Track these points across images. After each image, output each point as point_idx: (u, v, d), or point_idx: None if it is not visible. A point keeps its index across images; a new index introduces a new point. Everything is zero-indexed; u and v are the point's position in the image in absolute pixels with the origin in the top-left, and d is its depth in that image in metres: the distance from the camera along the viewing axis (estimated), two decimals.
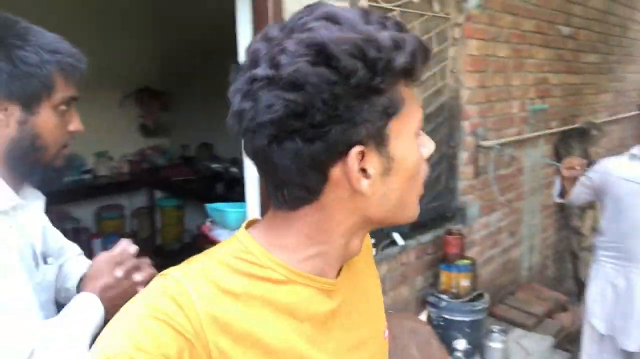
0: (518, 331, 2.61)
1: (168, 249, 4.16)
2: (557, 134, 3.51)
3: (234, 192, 3.54)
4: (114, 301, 0.88)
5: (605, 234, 2.28)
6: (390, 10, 1.97)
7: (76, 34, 1.05)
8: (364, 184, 0.53)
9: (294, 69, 0.48)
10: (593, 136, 3.71)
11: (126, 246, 0.97)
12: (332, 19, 0.50)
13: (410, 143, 0.56)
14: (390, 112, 0.52)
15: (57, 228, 1.03)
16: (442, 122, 2.40)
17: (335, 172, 0.52)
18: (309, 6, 0.53)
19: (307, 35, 0.49)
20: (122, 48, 3.85)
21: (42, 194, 0.93)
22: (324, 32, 0.49)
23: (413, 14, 2.09)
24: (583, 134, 3.63)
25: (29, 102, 0.80)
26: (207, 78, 3.73)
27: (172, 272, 0.54)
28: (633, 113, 5.13)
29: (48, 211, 0.96)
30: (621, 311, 2.19)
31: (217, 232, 1.91)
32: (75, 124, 0.88)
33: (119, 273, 0.91)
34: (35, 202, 0.91)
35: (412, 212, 0.60)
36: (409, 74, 0.52)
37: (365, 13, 0.52)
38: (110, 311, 0.87)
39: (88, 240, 3.65)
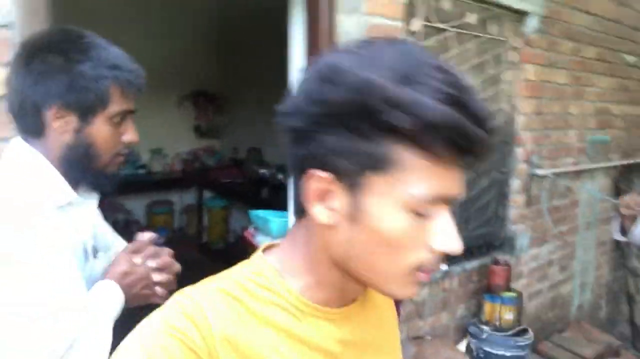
0: None
1: (214, 247, 4.26)
2: (618, 168, 3.34)
3: (278, 198, 3.58)
4: (132, 286, 0.93)
5: None
6: (445, 30, 1.96)
7: (138, 38, 1.10)
8: (317, 208, 0.52)
9: (308, 75, 0.50)
10: None
11: (143, 236, 1.03)
12: (375, 51, 0.49)
13: (393, 211, 0.49)
14: (369, 163, 0.48)
15: (109, 219, 1.09)
16: (495, 148, 2.34)
17: (305, 186, 0.52)
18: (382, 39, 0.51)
19: (341, 54, 0.50)
20: (181, 51, 4.06)
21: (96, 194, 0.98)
22: (351, 56, 0.49)
23: (468, 35, 2.07)
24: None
25: (85, 113, 0.85)
26: (261, 84, 3.83)
27: (190, 291, 0.55)
28: None
29: (101, 202, 1.02)
30: None
31: (259, 239, 1.92)
32: (130, 135, 0.93)
33: (137, 259, 0.97)
34: (88, 200, 0.96)
35: (391, 286, 0.53)
36: (419, 143, 0.47)
37: (420, 65, 0.47)
38: (129, 297, 0.93)
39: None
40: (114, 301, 0.90)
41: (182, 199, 4.47)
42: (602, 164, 3.13)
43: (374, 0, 1.62)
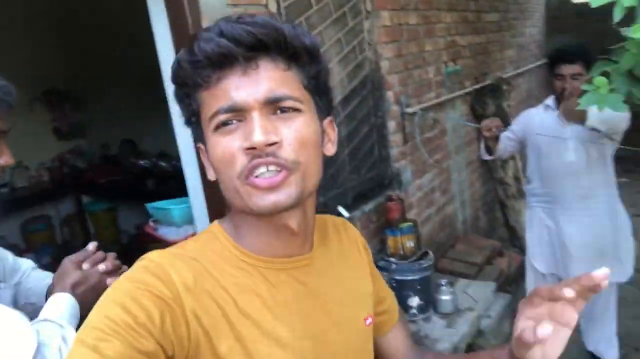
0: (463, 281, 2.78)
1: (107, 253, 3.98)
2: (472, 93, 3.73)
3: (167, 186, 3.46)
4: (86, 295, 0.91)
5: (532, 182, 2.48)
6: None
7: None
8: (207, 172, 0.66)
9: None
10: (504, 90, 3.97)
11: (87, 248, 1.01)
12: None
13: (211, 141, 0.61)
14: (192, 119, 0.63)
15: None
16: (367, 95, 2.47)
17: None
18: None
19: None
20: (25, 52, 3.62)
21: None
22: None
23: None
24: (495, 90, 3.87)
25: None
26: (120, 75, 3.57)
27: (150, 255, 0.61)
28: (535, 64, 5.54)
29: None
30: (556, 250, 2.41)
31: (164, 231, 1.86)
32: (5, 158, 0.85)
33: (85, 265, 0.95)
34: None
35: (248, 203, 0.60)
36: (194, 82, 0.60)
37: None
38: (85, 306, 0.90)
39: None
40: (71, 311, 0.87)
41: (58, 210, 4.07)
42: (459, 93, 3.47)
43: None
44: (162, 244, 1.87)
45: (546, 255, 2.47)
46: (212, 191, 1.61)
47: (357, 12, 2.38)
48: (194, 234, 1.78)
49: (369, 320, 0.76)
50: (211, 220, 1.69)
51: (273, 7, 1.83)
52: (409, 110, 2.78)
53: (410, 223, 2.40)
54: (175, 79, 0.62)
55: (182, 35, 1.49)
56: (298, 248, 0.67)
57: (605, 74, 1.31)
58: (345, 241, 0.79)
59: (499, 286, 2.89)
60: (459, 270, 2.98)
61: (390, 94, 2.64)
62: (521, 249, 3.76)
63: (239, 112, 0.58)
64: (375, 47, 2.52)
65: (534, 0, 5.57)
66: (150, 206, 1.91)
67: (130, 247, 3.44)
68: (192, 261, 0.61)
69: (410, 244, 2.37)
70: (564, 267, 2.40)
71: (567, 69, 2.17)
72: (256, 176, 0.57)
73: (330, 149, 0.68)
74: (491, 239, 3.70)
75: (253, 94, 0.57)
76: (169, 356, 0.54)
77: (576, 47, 2.25)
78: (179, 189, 3.02)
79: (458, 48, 3.48)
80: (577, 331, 2.67)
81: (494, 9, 4.18)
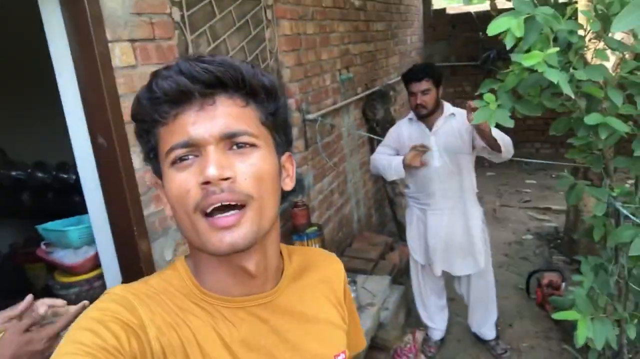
0: (361, 277, 2.96)
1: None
2: (363, 98, 3.94)
3: (46, 201, 3.14)
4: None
5: (409, 186, 2.74)
6: None
7: None
8: (165, 209, 0.66)
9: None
10: (390, 96, 4.26)
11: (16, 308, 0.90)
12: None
13: (167, 176, 0.62)
14: (151, 155, 0.65)
15: None
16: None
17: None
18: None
19: None
20: None
21: None
22: None
23: None
24: (383, 96, 4.14)
25: None
26: None
27: (115, 289, 0.62)
28: None
29: None
30: (427, 244, 2.69)
31: (59, 255, 1.72)
32: None
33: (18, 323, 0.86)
34: None
35: (204, 242, 0.60)
36: (152, 118, 0.61)
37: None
38: None
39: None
40: None
41: None
42: (352, 99, 3.66)
43: None
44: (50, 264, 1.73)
45: (422, 249, 2.77)
46: (116, 206, 1.53)
47: (258, 21, 2.40)
48: (95, 256, 1.69)
49: (341, 356, 0.74)
50: (115, 239, 1.60)
51: (177, 16, 1.78)
52: (310, 116, 2.87)
53: (315, 227, 2.50)
54: (134, 115, 0.62)
55: (83, 44, 1.39)
56: (257, 287, 0.67)
57: (492, 91, 1.50)
58: (323, 277, 0.78)
59: (393, 278, 3.13)
60: (357, 267, 3.16)
61: (292, 102, 2.71)
62: None
63: (194, 147, 0.58)
64: (277, 56, 2.57)
65: (414, 9, 6.02)
66: (42, 228, 1.74)
67: (3, 268, 3.06)
68: (155, 295, 0.62)
69: (316, 247, 2.46)
70: (433, 262, 2.72)
71: (417, 87, 2.47)
72: (211, 213, 0.58)
73: (289, 184, 0.70)
74: (383, 234, 3.96)
75: (209, 129, 0.58)
76: None
77: (423, 67, 2.56)
78: (62, 204, 2.78)
79: (350, 56, 3.66)
80: (464, 315, 3.00)
81: (381, 19, 4.45)
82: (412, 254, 2.84)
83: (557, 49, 1.27)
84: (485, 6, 7.50)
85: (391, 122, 4.14)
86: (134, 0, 1.53)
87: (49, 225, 1.75)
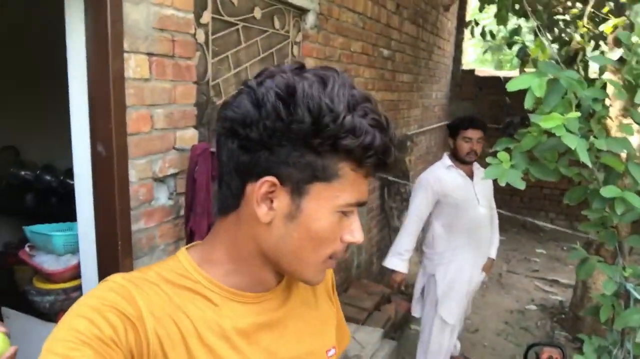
0: (352, 326, 2.83)
1: None
2: None
3: (49, 205, 3.11)
4: None
5: (437, 243, 2.73)
6: (234, 24, 1.98)
7: None
8: (262, 209, 0.61)
9: (265, 91, 0.57)
10: (408, 146, 4.23)
11: None
12: (324, 81, 0.57)
13: (328, 213, 0.61)
14: (317, 174, 0.59)
15: None
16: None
17: (249, 188, 0.61)
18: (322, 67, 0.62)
19: (293, 78, 0.58)
20: None
21: None
22: (305, 83, 0.57)
23: (256, 29, 2.13)
24: (401, 145, 4.11)
25: None
26: (10, 73, 3.24)
27: (115, 277, 0.61)
28: (437, 125, 5.99)
29: None
30: (462, 296, 2.73)
31: (41, 259, 1.66)
32: None
33: None
34: None
35: (309, 274, 0.65)
36: (357, 160, 0.59)
37: (356, 97, 0.58)
38: None
39: None
40: None
41: None
42: None
43: None
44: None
45: (458, 308, 2.73)
46: (104, 217, 1.49)
47: (284, 55, 2.41)
48: (77, 266, 1.63)
49: (332, 351, 0.77)
50: (98, 251, 1.55)
51: (201, 38, 1.79)
52: None
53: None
54: (342, 144, 0.57)
55: (98, 50, 1.39)
56: (269, 284, 0.69)
57: (507, 150, 1.45)
58: None
59: (385, 332, 2.99)
60: (350, 315, 3.04)
61: None
62: (409, 296, 3.93)
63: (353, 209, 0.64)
64: None
65: (443, 67, 6.08)
66: (29, 230, 1.70)
67: None
68: (155, 286, 0.62)
69: None
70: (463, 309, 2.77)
71: (475, 134, 2.64)
72: (332, 257, 0.65)
73: None
74: (381, 284, 3.83)
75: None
76: None
77: (480, 118, 2.74)
78: (62, 210, 2.75)
79: None
80: None
81: (408, 71, 4.48)
82: (442, 316, 2.70)
83: (579, 114, 1.21)
84: (515, 72, 7.57)
85: (404, 172, 4.09)
86: (158, 16, 1.54)
87: (36, 228, 1.71)
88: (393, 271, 2.74)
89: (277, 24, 2.29)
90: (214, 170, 1.65)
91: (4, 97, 3.18)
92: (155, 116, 1.58)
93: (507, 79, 5.41)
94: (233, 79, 2.02)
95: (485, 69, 8.83)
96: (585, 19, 3.68)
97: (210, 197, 1.62)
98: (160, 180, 1.64)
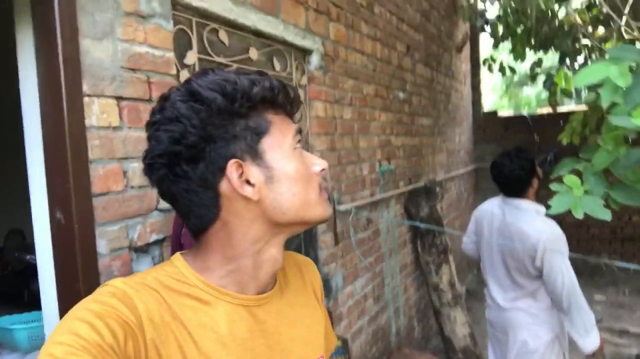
0: None
1: None
2: (405, 193, 3.58)
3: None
4: None
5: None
6: (227, 65, 1.74)
7: None
8: (249, 191, 0.66)
9: (171, 107, 0.65)
10: (437, 193, 3.87)
11: None
12: (206, 72, 0.68)
13: (289, 154, 0.69)
14: (257, 131, 0.67)
15: None
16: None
17: (223, 187, 0.66)
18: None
19: (183, 86, 0.67)
20: None
21: None
22: (194, 82, 0.66)
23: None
24: (428, 192, 3.76)
25: None
26: None
27: (115, 282, 0.63)
28: (465, 170, 5.65)
29: None
30: None
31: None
32: None
33: None
34: None
35: (319, 211, 0.70)
36: (272, 103, 0.69)
37: (234, 69, 0.71)
38: None
39: None
40: None
41: None
42: (393, 192, 3.30)
43: (132, 24, 1.31)
44: None
45: None
46: (68, 301, 1.17)
47: None
48: None
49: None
50: None
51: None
52: (342, 208, 2.51)
53: (339, 343, 2.02)
54: (246, 94, 0.65)
55: (51, 94, 1.14)
56: (265, 286, 0.72)
57: (576, 173, 1.10)
58: (307, 281, 0.84)
59: None
60: None
61: None
62: None
63: (300, 138, 0.72)
64: (307, 137, 2.29)
65: (462, 110, 5.82)
66: None
67: None
68: (154, 292, 0.63)
69: None
70: None
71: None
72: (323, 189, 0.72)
73: None
74: (426, 351, 3.35)
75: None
76: None
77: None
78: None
79: (392, 148, 3.37)
80: None
81: (427, 114, 4.22)
82: None
83: None
84: (541, 110, 7.27)
85: (437, 221, 3.71)
86: (128, 54, 1.30)
87: None
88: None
89: (277, 65, 2.06)
90: None
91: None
92: (130, 171, 1.30)
93: (534, 118, 5.12)
94: None
95: (506, 111, 8.56)
96: (613, 40, 3.40)
97: None
98: (142, 250, 1.34)
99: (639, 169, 1.11)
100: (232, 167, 0.64)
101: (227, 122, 0.64)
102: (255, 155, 0.66)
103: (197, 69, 1.61)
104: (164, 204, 1.38)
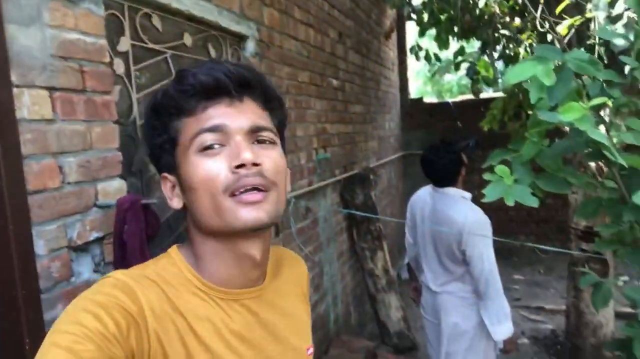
0: None
1: None
2: (341, 181, 3.65)
3: None
4: None
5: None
6: (161, 52, 1.68)
7: None
8: (173, 203, 0.71)
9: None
10: (371, 180, 3.98)
11: None
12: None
13: (191, 161, 0.66)
14: (173, 141, 0.68)
15: None
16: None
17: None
18: None
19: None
20: None
21: None
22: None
23: (187, 58, 1.84)
24: (363, 180, 3.86)
25: None
26: None
27: (116, 274, 0.64)
28: (395, 156, 5.84)
29: None
30: None
31: None
32: None
33: None
34: None
35: (231, 218, 0.64)
36: (179, 108, 0.68)
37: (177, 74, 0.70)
38: None
39: None
40: None
41: None
42: (330, 180, 3.36)
43: (60, 9, 1.22)
44: None
45: None
46: (8, 308, 1.10)
47: None
48: None
49: (310, 350, 0.81)
50: (2, 355, 1.15)
51: (120, 69, 1.48)
52: None
53: None
54: (156, 105, 0.69)
55: None
56: (253, 281, 0.72)
57: (505, 163, 1.19)
58: (295, 275, 0.85)
59: None
60: None
61: None
62: (394, 348, 3.57)
63: (222, 136, 0.66)
64: None
65: (391, 97, 5.99)
66: None
67: None
68: (154, 284, 0.64)
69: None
70: None
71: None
72: (241, 193, 0.64)
73: (289, 187, 0.74)
74: (362, 337, 3.47)
75: (238, 122, 0.66)
76: None
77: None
78: None
79: (328, 136, 3.42)
80: None
81: (359, 101, 4.31)
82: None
83: (599, 101, 0.97)
84: (463, 97, 7.65)
85: (371, 208, 3.82)
86: (57, 41, 1.22)
87: None
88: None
89: (212, 52, 2.01)
90: (150, 228, 1.30)
91: None
92: (66, 166, 1.22)
93: (457, 104, 5.36)
94: None
95: (431, 98, 8.93)
96: (528, 31, 3.65)
97: None
98: (81, 249, 1.27)
99: (560, 159, 1.22)
100: (163, 180, 0.70)
101: (156, 134, 0.69)
102: (173, 166, 0.69)
103: (130, 56, 1.54)
104: (103, 201, 1.32)
